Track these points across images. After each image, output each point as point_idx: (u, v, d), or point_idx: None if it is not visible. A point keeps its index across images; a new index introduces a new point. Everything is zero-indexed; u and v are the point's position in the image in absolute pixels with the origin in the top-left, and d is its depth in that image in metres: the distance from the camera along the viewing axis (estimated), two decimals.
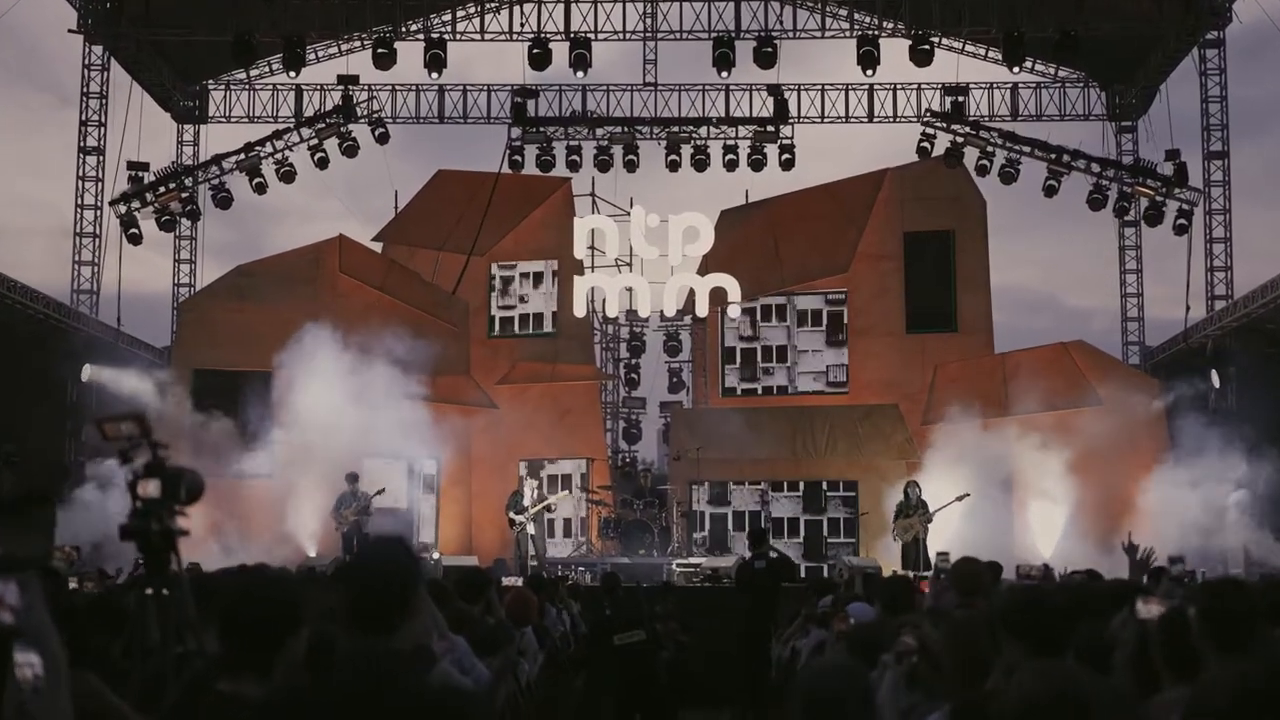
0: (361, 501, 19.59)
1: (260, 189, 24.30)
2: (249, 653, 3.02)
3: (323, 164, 24.37)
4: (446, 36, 24.21)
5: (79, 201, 24.52)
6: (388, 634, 3.05)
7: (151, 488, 3.82)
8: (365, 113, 24.86)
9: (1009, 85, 26.50)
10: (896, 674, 5.29)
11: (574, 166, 24.84)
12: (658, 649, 11.03)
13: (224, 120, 27.31)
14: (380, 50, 23.18)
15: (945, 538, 20.52)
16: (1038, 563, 18.16)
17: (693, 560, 19.95)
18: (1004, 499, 21.49)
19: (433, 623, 6.44)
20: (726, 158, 24.77)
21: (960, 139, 23.95)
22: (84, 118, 24.56)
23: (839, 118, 26.53)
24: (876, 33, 23.73)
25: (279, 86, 26.80)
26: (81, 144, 24.56)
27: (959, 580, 6.85)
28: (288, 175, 24.24)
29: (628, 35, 25.25)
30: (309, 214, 41.01)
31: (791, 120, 25.42)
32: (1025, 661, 3.40)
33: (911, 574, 18.04)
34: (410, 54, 23.88)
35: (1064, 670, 2.94)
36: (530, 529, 19.49)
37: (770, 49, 23.04)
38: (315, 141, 24.34)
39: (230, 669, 3.03)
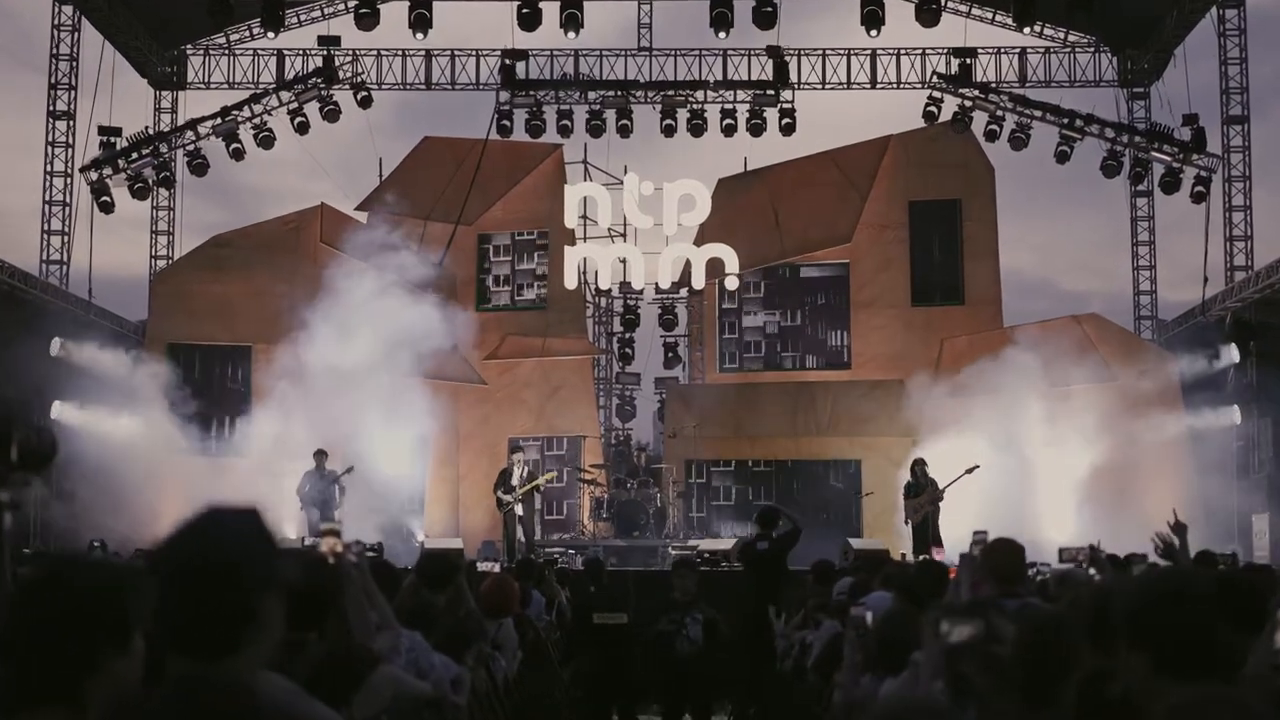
0: (328, 480, 18.68)
1: (237, 155, 23.31)
2: (50, 678, 2.06)
3: (303, 129, 23.39)
4: None
5: (48, 168, 23.50)
6: (214, 659, 2.06)
7: None
8: (348, 74, 23.84)
9: (1017, 50, 25.53)
10: (937, 685, 4.38)
11: (565, 131, 23.84)
12: (672, 639, 10.11)
13: (203, 86, 26.26)
14: (363, 10, 22.18)
15: (953, 518, 19.73)
16: (1057, 544, 17.23)
17: (690, 543, 19.06)
18: (1015, 478, 20.67)
19: (376, 617, 5.50)
20: (724, 122, 23.74)
21: (969, 102, 23.00)
22: (53, 81, 23.51)
23: (840, 84, 25.54)
24: None
25: (260, 51, 25.81)
26: (51, 108, 23.53)
27: (998, 566, 5.90)
28: (266, 140, 23.26)
29: None
30: (304, 196, 40.12)
31: (792, 86, 24.48)
32: (1158, 683, 2.44)
33: (904, 555, 17.27)
34: (395, 18, 22.96)
35: (1240, 706, 1.98)
36: (519, 509, 18.56)
37: (770, 8, 22.03)
38: (295, 105, 23.32)
39: (28, 699, 2.06)
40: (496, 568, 8.60)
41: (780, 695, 9.20)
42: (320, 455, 19.12)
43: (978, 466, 18.57)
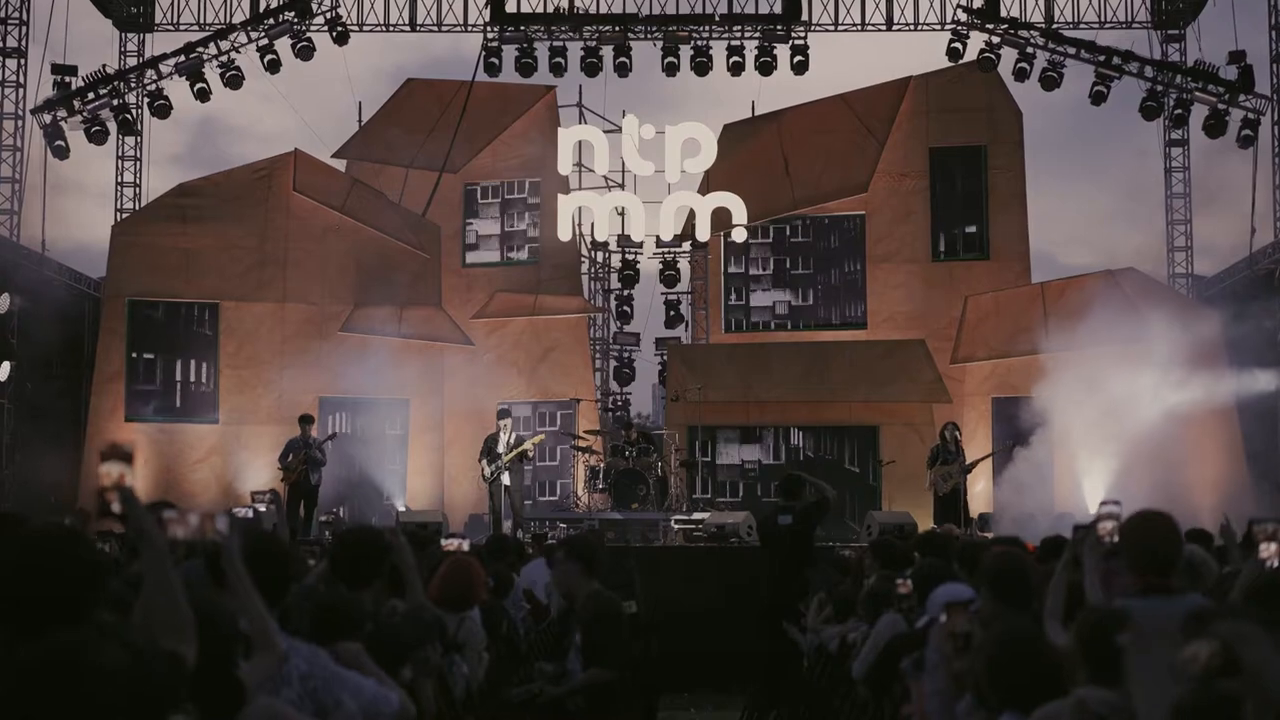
0: (311, 447, 17.17)
1: (203, 95, 21.53)
2: None
3: (273, 67, 21.59)
4: None
5: None
6: None
7: None
8: (323, 7, 22.04)
9: None
10: None
11: (558, 70, 22.02)
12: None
13: (172, 29, 24.48)
14: None
15: (976, 491, 18.36)
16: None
17: (695, 516, 17.43)
18: (1044, 447, 19.19)
19: (245, 624, 3.81)
20: (731, 60, 21.90)
21: (996, 38, 21.29)
22: (3, 15, 21.70)
23: (854, 25, 23.78)
24: None
25: None
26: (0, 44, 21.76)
27: (1145, 552, 4.19)
28: (234, 80, 21.49)
29: None
30: None
31: (804, 24, 22.78)
32: None
33: (936, 528, 15.72)
34: None
35: None
36: (505, 479, 16.92)
37: None
38: (265, 42, 21.54)
39: None
40: (466, 545, 6.93)
41: (811, 705, 7.51)
42: (307, 421, 17.61)
43: (1015, 445, 17.13)
